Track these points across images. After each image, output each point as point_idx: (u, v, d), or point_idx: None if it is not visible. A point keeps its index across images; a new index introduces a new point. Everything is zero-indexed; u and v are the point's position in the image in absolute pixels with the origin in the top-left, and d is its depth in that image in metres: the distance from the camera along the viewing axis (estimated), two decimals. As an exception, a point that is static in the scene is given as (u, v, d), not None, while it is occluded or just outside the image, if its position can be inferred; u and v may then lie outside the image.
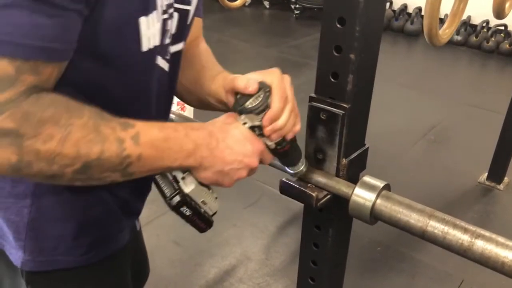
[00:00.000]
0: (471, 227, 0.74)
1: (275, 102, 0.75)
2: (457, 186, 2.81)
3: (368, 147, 0.92)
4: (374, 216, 0.82)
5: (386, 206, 0.80)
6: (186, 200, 0.76)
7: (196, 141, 0.72)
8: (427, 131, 3.36)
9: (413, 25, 5.11)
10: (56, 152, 0.60)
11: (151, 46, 0.73)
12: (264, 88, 0.74)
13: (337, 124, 0.83)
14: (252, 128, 0.76)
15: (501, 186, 2.77)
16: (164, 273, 2.14)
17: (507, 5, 2.26)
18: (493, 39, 4.76)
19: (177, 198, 0.75)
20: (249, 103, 0.74)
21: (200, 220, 0.80)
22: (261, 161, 0.80)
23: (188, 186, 0.76)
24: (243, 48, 4.84)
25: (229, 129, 0.76)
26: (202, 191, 0.78)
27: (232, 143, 0.75)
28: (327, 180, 0.87)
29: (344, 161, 0.87)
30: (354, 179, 0.88)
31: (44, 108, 0.60)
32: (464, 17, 4.91)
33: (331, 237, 0.95)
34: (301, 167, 0.87)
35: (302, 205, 0.92)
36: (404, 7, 5.30)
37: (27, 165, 0.60)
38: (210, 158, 0.74)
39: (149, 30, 0.71)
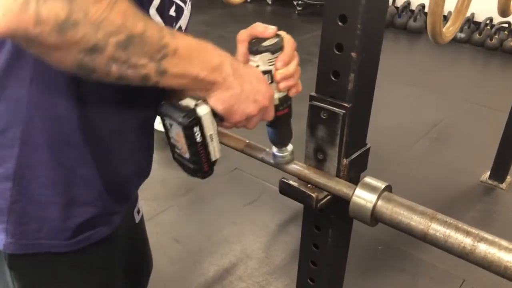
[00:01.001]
0: (474, 230, 0.73)
1: (288, 46, 0.79)
2: (459, 184, 2.79)
3: (369, 147, 0.90)
4: (375, 217, 0.81)
5: (387, 208, 0.79)
6: (199, 121, 0.73)
7: (222, 57, 0.73)
8: (429, 129, 3.34)
9: (416, 22, 5.08)
10: (104, 15, 0.58)
11: (158, 3, 0.76)
12: (278, 35, 0.80)
13: (338, 123, 0.82)
14: (263, 73, 0.79)
15: (503, 185, 2.76)
16: (163, 271, 2.13)
17: (512, 2, 2.24)
18: (496, 36, 4.73)
19: (191, 116, 0.72)
20: (266, 43, 0.78)
21: (206, 158, 0.77)
22: (263, 117, 0.81)
23: (202, 110, 0.74)
24: (245, 44, 4.81)
25: (247, 66, 0.78)
26: (213, 123, 0.76)
27: (250, 76, 0.76)
28: (328, 181, 0.85)
29: (345, 161, 0.85)
30: (355, 180, 0.86)
31: None
32: (468, 14, 4.88)
33: (331, 238, 0.94)
34: (287, 152, 0.88)
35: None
36: (407, 4, 5.27)
37: (73, 25, 0.56)
38: (232, 78, 0.73)
39: None
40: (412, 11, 5.23)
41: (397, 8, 5.32)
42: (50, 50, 0.59)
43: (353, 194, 0.81)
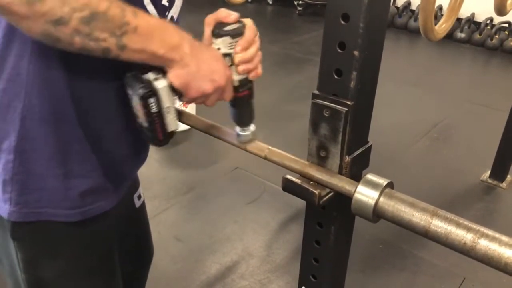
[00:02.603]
0: (475, 226, 0.74)
1: (248, 32, 0.85)
2: (460, 184, 2.80)
3: (371, 145, 0.91)
4: (377, 214, 0.82)
5: (389, 205, 0.80)
6: (156, 93, 0.81)
7: (182, 36, 0.79)
8: (430, 129, 3.35)
9: (416, 22, 5.08)
10: None
11: None
12: (240, 21, 0.86)
13: (341, 121, 0.82)
14: (224, 56, 0.85)
15: (503, 184, 2.77)
16: (165, 269, 2.14)
17: (509, 1, 2.25)
18: (497, 36, 4.74)
19: (147, 88, 0.80)
20: (227, 27, 0.84)
21: (161, 128, 0.85)
22: (221, 96, 0.87)
23: (160, 83, 0.81)
24: (245, 44, 4.82)
25: (207, 47, 0.85)
26: (170, 96, 0.83)
27: (208, 57, 0.83)
28: (330, 178, 0.86)
29: (347, 158, 0.86)
30: (357, 177, 0.87)
31: None
32: (468, 14, 4.89)
33: (333, 235, 0.94)
34: (249, 132, 0.94)
35: (304, 201, 0.92)
36: (408, 4, 5.27)
37: None
38: (189, 57, 0.80)
39: None
40: (413, 11, 5.24)
41: (397, 8, 5.32)
42: (20, 19, 0.66)
43: (356, 191, 0.82)
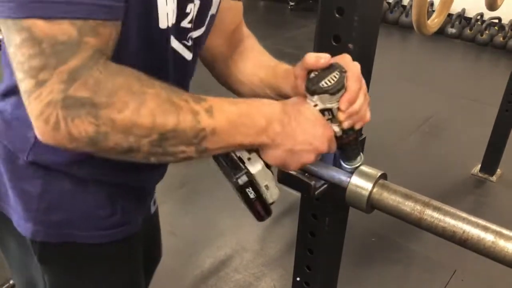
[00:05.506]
0: (467, 216, 0.75)
1: (352, 83, 0.71)
2: (451, 177, 2.83)
3: (365, 137, 0.92)
4: (370, 204, 0.83)
5: (382, 195, 0.81)
6: (253, 181, 0.74)
7: (268, 116, 0.69)
8: (421, 123, 3.38)
9: (408, 18, 5.11)
10: (132, 121, 0.59)
11: (168, 24, 0.72)
12: (340, 68, 0.71)
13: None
14: (322, 111, 0.73)
15: (493, 178, 2.80)
16: (159, 263, 2.14)
17: (500, -4, 2.27)
18: (487, 32, 4.78)
19: (244, 178, 0.73)
20: (324, 82, 0.70)
21: (261, 206, 0.78)
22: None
23: (255, 167, 0.73)
24: (238, 40, 4.82)
25: (301, 108, 0.72)
26: (267, 174, 0.75)
27: (304, 123, 0.71)
28: (325, 169, 0.87)
29: (342, 150, 0.87)
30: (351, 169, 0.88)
31: (114, 76, 0.59)
32: (459, 9, 4.92)
33: (327, 226, 0.96)
34: (359, 162, 0.83)
35: (298, 196, 0.93)
36: (399, -1, 5.30)
37: (104, 137, 0.59)
38: (282, 135, 0.70)
39: (167, 6, 0.70)
40: (404, 6, 5.26)
41: (389, 3, 5.34)
42: (92, 154, 0.63)
43: (350, 182, 0.83)
